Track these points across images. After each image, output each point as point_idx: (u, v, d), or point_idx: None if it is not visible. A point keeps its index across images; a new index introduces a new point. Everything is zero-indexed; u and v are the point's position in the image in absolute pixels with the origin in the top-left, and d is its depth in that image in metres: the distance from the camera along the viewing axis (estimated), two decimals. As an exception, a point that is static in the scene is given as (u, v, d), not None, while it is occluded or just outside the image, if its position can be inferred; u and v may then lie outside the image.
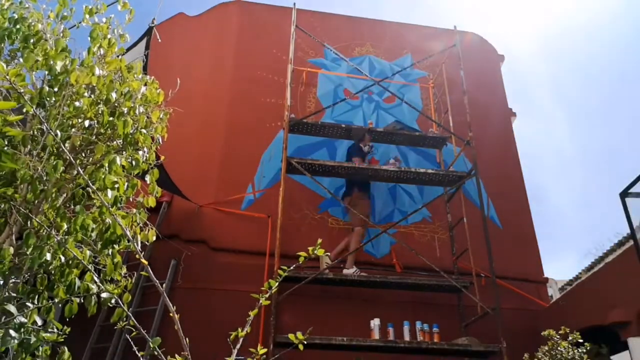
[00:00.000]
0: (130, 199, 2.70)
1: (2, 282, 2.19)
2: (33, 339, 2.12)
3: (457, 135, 6.45)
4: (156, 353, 1.84)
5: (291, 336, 2.13)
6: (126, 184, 2.53)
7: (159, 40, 4.93)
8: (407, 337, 5.13)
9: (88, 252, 2.30)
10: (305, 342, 2.13)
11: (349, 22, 8.30)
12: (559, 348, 3.95)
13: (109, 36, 2.76)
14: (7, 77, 2.07)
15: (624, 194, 4.47)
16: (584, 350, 3.90)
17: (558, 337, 4.07)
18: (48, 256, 2.18)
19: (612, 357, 4.93)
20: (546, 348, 4.04)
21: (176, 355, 1.83)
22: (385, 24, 8.43)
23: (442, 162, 6.87)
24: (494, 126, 7.68)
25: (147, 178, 2.81)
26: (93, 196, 2.45)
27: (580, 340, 4.02)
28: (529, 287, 6.29)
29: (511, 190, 7.12)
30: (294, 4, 6.87)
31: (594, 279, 5.38)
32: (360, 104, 7.43)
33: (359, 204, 5.93)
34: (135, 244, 2.24)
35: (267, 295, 2.09)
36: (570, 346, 3.94)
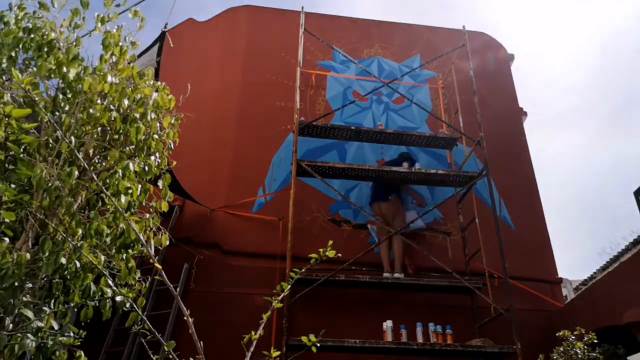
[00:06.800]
0: (143, 204, 2.73)
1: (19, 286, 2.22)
2: (50, 343, 2.15)
3: (468, 135, 6.42)
4: (171, 356, 1.85)
5: (304, 339, 2.14)
6: (139, 188, 2.56)
7: (172, 45, 4.98)
8: (420, 339, 5.11)
9: (103, 257, 2.33)
10: (318, 345, 2.14)
11: (356, 24, 8.30)
12: (574, 349, 3.91)
13: (120, 43, 2.80)
14: (22, 85, 2.11)
15: (639, 192, 4.43)
16: (600, 351, 3.86)
17: (573, 337, 4.03)
18: (63, 261, 2.21)
19: (628, 358, 4.86)
20: (561, 349, 4.01)
21: (190, 359, 1.84)
22: (394, 25, 8.42)
23: (452, 162, 6.84)
24: (505, 125, 7.62)
25: (160, 183, 2.84)
26: (107, 202, 2.48)
27: (596, 341, 3.98)
28: (543, 287, 6.22)
29: (523, 190, 7.06)
30: (302, 7, 6.90)
31: (609, 279, 5.31)
32: (369, 105, 7.42)
33: (399, 212, 6.07)
34: (148, 248, 2.26)
35: (279, 298, 2.10)
36: (585, 347, 3.90)
